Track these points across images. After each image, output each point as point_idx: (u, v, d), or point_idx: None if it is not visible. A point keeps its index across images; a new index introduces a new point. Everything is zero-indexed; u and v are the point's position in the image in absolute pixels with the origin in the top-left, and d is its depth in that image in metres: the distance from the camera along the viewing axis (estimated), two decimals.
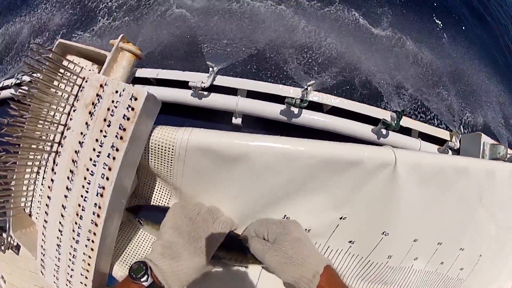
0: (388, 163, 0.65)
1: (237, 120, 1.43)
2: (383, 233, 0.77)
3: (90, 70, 0.67)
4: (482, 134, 1.44)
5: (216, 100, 1.40)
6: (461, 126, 1.78)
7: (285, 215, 0.69)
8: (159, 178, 0.69)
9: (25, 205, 0.77)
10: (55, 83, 0.63)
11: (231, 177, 0.63)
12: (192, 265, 0.55)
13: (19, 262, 1.13)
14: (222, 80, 1.43)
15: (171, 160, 0.61)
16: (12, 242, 1.04)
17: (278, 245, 0.59)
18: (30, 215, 0.78)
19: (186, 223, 0.60)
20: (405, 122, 1.51)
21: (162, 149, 0.60)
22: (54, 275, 0.64)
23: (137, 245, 0.72)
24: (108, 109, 0.54)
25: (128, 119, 0.53)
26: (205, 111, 1.44)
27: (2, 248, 1.01)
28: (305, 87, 1.31)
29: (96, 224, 0.56)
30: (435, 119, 3.12)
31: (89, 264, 0.59)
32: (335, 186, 0.67)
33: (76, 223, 0.58)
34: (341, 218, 0.72)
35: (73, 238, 0.59)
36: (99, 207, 0.55)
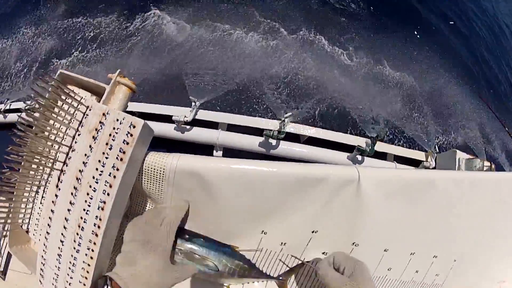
0: (352, 180, 0.76)
1: (218, 153, 1.51)
2: (353, 243, 0.85)
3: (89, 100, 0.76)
4: (457, 150, 1.54)
5: (198, 134, 1.49)
6: (436, 146, 1.91)
7: (262, 231, 0.78)
8: (150, 199, 0.78)
9: (22, 221, 0.83)
10: (59, 109, 0.72)
11: (215, 198, 0.72)
12: (148, 264, 0.61)
13: None
14: (204, 114, 1.53)
15: (162, 182, 0.71)
16: None
17: (353, 281, 0.66)
18: (27, 231, 0.84)
19: (137, 232, 0.66)
20: (380, 146, 1.62)
21: (154, 172, 0.70)
22: (53, 284, 0.71)
23: None
24: (110, 135, 0.64)
25: (127, 143, 0.62)
26: (188, 145, 1.53)
27: None
28: (282, 119, 1.42)
29: (96, 235, 0.63)
30: (410, 142, 3.34)
31: (88, 272, 0.66)
32: (306, 203, 0.76)
33: (77, 234, 0.65)
34: (313, 232, 0.81)
35: (74, 248, 0.66)
36: (100, 219, 0.63)
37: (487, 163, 1.47)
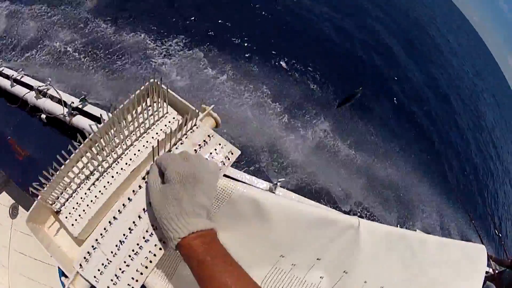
0: (354, 226, 0.98)
1: None
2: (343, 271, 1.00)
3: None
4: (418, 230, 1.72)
5: None
6: (399, 226, 2.16)
7: (281, 255, 0.94)
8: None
9: (57, 199, 0.81)
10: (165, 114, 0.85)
11: (259, 223, 0.88)
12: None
13: None
14: None
15: (226, 201, 0.86)
16: None
17: (162, 191, 0.63)
18: (57, 212, 0.81)
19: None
20: None
21: (223, 191, 0.86)
22: (99, 269, 0.72)
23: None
24: (211, 153, 0.81)
25: (224, 164, 0.81)
26: None
27: None
28: (275, 182, 1.71)
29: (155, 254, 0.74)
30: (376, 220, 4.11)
31: (146, 267, 0.73)
32: (318, 239, 0.95)
33: (147, 231, 0.74)
34: (317, 259, 0.98)
35: (144, 238, 0.74)
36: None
37: None
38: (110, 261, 0.73)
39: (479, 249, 1.49)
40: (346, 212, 1.81)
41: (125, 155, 0.83)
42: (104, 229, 0.75)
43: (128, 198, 0.77)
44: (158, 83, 0.94)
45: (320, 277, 1.06)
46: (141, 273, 0.73)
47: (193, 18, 6.37)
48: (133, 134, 0.84)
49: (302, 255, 1.01)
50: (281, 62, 6.16)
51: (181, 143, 0.82)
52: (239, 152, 0.83)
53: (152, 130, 0.87)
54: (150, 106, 0.88)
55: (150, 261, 0.74)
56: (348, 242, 1.04)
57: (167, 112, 0.91)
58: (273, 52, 6.45)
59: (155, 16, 5.92)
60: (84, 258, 0.74)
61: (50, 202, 0.80)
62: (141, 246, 0.74)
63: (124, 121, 0.81)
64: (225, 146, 0.83)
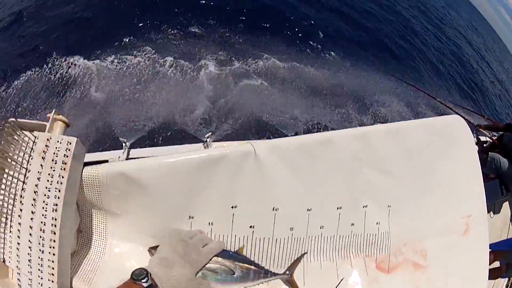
0: (249, 152, 0.91)
1: None
2: (273, 209, 0.94)
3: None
4: None
5: None
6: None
7: (189, 216, 0.91)
8: (94, 208, 0.92)
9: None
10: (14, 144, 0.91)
11: (142, 194, 0.86)
12: (182, 272, 0.74)
13: None
14: (136, 152, 1.69)
15: (99, 187, 0.86)
16: None
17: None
18: (4, 261, 0.97)
19: (180, 244, 0.80)
20: None
21: (91, 180, 0.86)
22: None
23: (97, 265, 0.91)
24: (54, 153, 0.83)
25: (67, 156, 0.81)
26: None
27: None
28: (204, 140, 1.58)
29: (54, 233, 0.80)
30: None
31: (53, 268, 0.81)
32: (217, 181, 0.88)
33: (40, 236, 0.81)
34: (232, 207, 0.92)
35: (40, 250, 0.82)
36: (55, 219, 0.80)
37: None
38: (31, 280, 0.84)
39: (450, 121, 1.14)
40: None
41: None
42: (17, 255, 0.87)
43: (19, 223, 0.86)
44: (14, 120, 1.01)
45: (250, 226, 0.95)
46: (52, 281, 0.81)
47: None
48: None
49: (209, 211, 0.92)
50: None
51: (31, 158, 0.86)
52: (75, 139, 0.82)
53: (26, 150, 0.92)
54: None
55: (53, 268, 0.81)
56: (251, 173, 0.92)
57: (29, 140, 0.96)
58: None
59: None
60: (18, 285, 0.87)
61: None
62: (41, 258, 0.82)
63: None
64: (62, 140, 0.83)
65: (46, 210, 0.81)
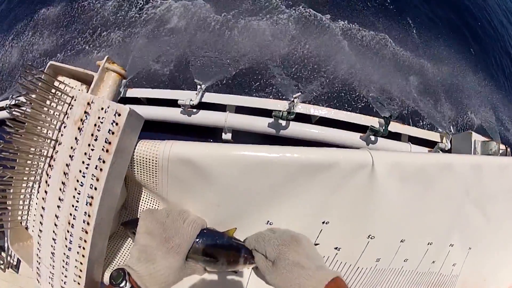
0: (365, 164, 0.68)
1: (227, 136, 1.47)
2: (368, 236, 0.78)
3: (79, 89, 0.72)
4: (473, 132, 1.45)
5: (205, 117, 1.45)
6: (451, 127, 1.76)
7: (268, 221, 0.72)
8: (146, 189, 0.74)
9: (21, 218, 0.81)
10: (48, 102, 0.68)
11: (212, 186, 0.66)
12: (167, 265, 0.58)
13: (20, 281, 1.16)
14: (211, 97, 1.49)
15: (155, 171, 0.66)
16: (11, 261, 1.07)
17: (277, 269, 0.59)
18: (27, 228, 0.82)
19: (157, 226, 0.62)
20: (394, 127, 1.54)
21: (146, 161, 0.65)
22: (49, 283, 0.68)
23: (127, 254, 0.76)
24: (95, 125, 0.59)
25: (112, 133, 0.58)
26: (195, 128, 1.49)
27: (2, 267, 1.05)
28: (292, 99, 1.36)
29: (86, 232, 0.60)
30: (425, 123, 3.15)
31: (81, 270, 0.63)
32: (314, 190, 0.70)
33: (68, 231, 0.62)
34: (323, 223, 0.74)
35: (66, 246, 0.63)
36: (89, 215, 0.59)
37: (502, 147, 1.38)
38: (53, 274, 0.67)
39: None
40: (385, 117, 1.28)
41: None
42: (38, 243, 0.69)
43: (43, 207, 0.66)
44: (56, 64, 0.78)
45: (336, 248, 0.74)
46: (79, 283, 0.64)
47: None
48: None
49: (294, 221, 0.71)
50: None
51: (64, 127, 0.63)
52: (127, 108, 0.58)
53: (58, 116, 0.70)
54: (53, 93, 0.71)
55: (80, 270, 0.63)
56: (360, 188, 0.72)
57: (65, 91, 0.73)
58: None
59: None
60: (37, 273, 0.71)
61: (19, 219, 0.81)
62: (67, 256, 0.64)
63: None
64: (109, 108, 0.58)
65: (78, 201, 0.60)
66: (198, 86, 1.45)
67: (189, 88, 1.54)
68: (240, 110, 1.49)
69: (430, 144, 1.61)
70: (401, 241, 0.84)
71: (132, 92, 1.59)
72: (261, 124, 1.41)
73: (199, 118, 1.44)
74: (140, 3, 3.89)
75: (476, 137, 1.42)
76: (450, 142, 1.58)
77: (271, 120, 1.39)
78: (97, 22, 3.85)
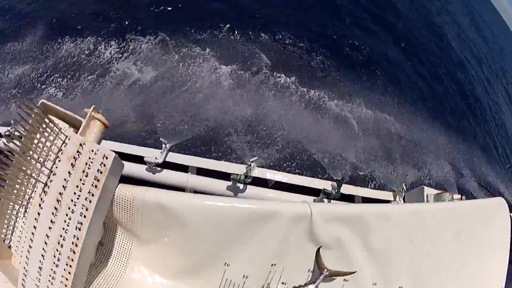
0: (305, 215, 0.84)
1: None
2: (308, 270, 0.90)
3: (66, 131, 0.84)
4: (425, 187, 1.54)
5: (168, 177, 1.53)
6: (404, 185, 1.80)
7: (225, 263, 0.86)
8: (122, 227, 0.86)
9: (5, 236, 0.90)
10: (41, 136, 0.79)
11: (180, 229, 0.80)
12: None
13: None
14: (175, 157, 1.58)
15: (132, 211, 0.79)
16: None
17: None
18: (9, 247, 0.90)
19: None
20: (347, 189, 1.62)
21: (124, 201, 0.78)
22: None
23: (102, 282, 0.85)
24: (86, 163, 0.72)
25: (101, 172, 0.71)
26: (159, 186, 1.52)
27: None
28: (248, 163, 1.46)
29: (74, 252, 0.72)
30: (378, 183, 3.33)
31: (66, 286, 0.75)
32: (263, 237, 0.84)
33: (57, 250, 0.73)
34: (272, 265, 0.88)
35: (54, 263, 0.74)
36: (77, 238, 0.71)
37: (457, 196, 1.46)
38: (38, 286, 0.78)
39: (494, 204, 1.08)
40: (337, 179, 1.41)
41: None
42: (26, 257, 0.79)
43: (34, 226, 0.77)
44: (47, 103, 0.88)
45: (283, 283, 0.89)
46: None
47: None
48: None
49: (247, 263, 0.86)
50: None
51: (59, 161, 0.75)
52: (113, 154, 0.71)
53: (53, 150, 0.81)
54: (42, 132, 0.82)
55: (65, 285, 0.75)
56: (301, 235, 0.86)
57: (60, 129, 0.85)
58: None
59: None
60: (22, 285, 0.81)
61: (2, 237, 0.90)
62: (54, 271, 0.75)
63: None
64: (98, 151, 0.72)
65: (68, 225, 0.72)
66: (163, 145, 1.54)
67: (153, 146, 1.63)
68: (201, 171, 1.58)
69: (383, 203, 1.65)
70: (344, 280, 0.93)
71: (102, 144, 1.64)
72: (220, 186, 1.51)
73: (163, 177, 1.53)
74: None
75: (429, 191, 1.51)
76: (403, 199, 1.67)
77: (229, 183, 1.47)
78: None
